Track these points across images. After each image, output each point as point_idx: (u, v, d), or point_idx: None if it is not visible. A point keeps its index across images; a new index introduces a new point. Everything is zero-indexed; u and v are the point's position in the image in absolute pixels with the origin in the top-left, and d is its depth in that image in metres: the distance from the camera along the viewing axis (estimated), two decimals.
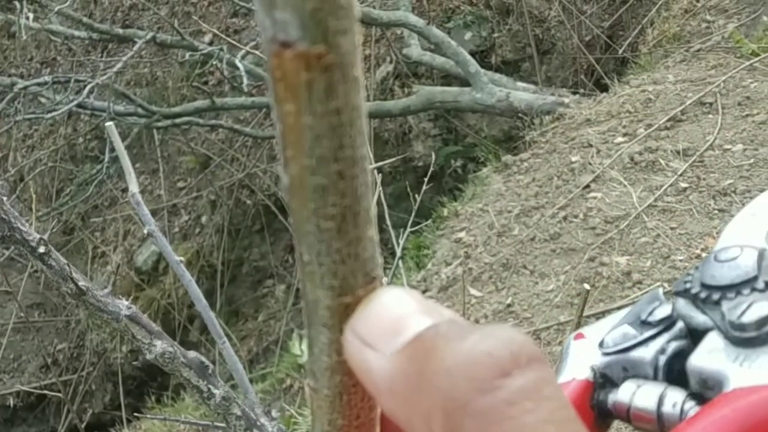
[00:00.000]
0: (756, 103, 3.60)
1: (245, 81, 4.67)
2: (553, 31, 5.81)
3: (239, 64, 4.72)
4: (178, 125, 5.66)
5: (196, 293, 1.09)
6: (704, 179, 3.23)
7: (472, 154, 5.35)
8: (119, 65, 5.17)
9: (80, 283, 1.01)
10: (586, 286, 0.78)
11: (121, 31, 5.75)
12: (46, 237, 1.07)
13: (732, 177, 3.17)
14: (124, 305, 1.00)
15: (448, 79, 5.44)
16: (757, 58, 3.93)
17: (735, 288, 0.40)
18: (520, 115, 4.60)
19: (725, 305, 0.40)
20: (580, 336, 0.45)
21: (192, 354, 1.03)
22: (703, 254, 2.89)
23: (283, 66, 0.21)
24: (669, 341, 0.42)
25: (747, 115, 3.54)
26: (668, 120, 3.67)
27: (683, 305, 0.42)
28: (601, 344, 0.43)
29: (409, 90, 5.55)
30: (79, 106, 5.07)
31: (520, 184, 3.86)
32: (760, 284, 0.40)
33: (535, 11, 5.84)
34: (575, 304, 2.91)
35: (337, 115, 0.21)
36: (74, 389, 5.73)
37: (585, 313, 2.82)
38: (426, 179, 1.44)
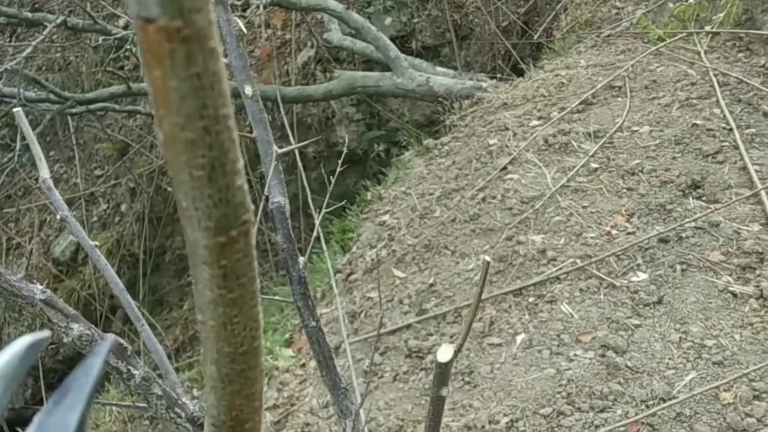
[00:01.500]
0: (661, 86, 3.77)
1: None
2: (471, 17, 5.91)
3: None
4: (93, 111, 5.50)
5: (112, 276, 1.09)
6: (614, 160, 3.37)
7: (395, 139, 5.41)
8: (29, 50, 4.99)
9: None
10: (487, 258, 0.82)
11: (30, 14, 5.54)
12: None
13: (639, 157, 3.31)
14: (38, 290, 1.00)
15: (369, 64, 5.48)
16: (662, 43, 4.12)
17: None
18: (440, 99, 4.67)
19: None
20: None
21: (110, 336, 1.04)
22: (613, 231, 3.02)
23: (148, 38, 0.25)
24: None
25: (653, 98, 3.70)
26: (580, 103, 3.80)
27: None
28: None
29: (330, 75, 5.56)
30: None
31: (441, 167, 3.93)
32: None
33: None
34: (494, 282, 3.00)
35: (198, 79, 0.25)
36: None
37: (503, 291, 2.91)
38: (340, 161, 1.48)
